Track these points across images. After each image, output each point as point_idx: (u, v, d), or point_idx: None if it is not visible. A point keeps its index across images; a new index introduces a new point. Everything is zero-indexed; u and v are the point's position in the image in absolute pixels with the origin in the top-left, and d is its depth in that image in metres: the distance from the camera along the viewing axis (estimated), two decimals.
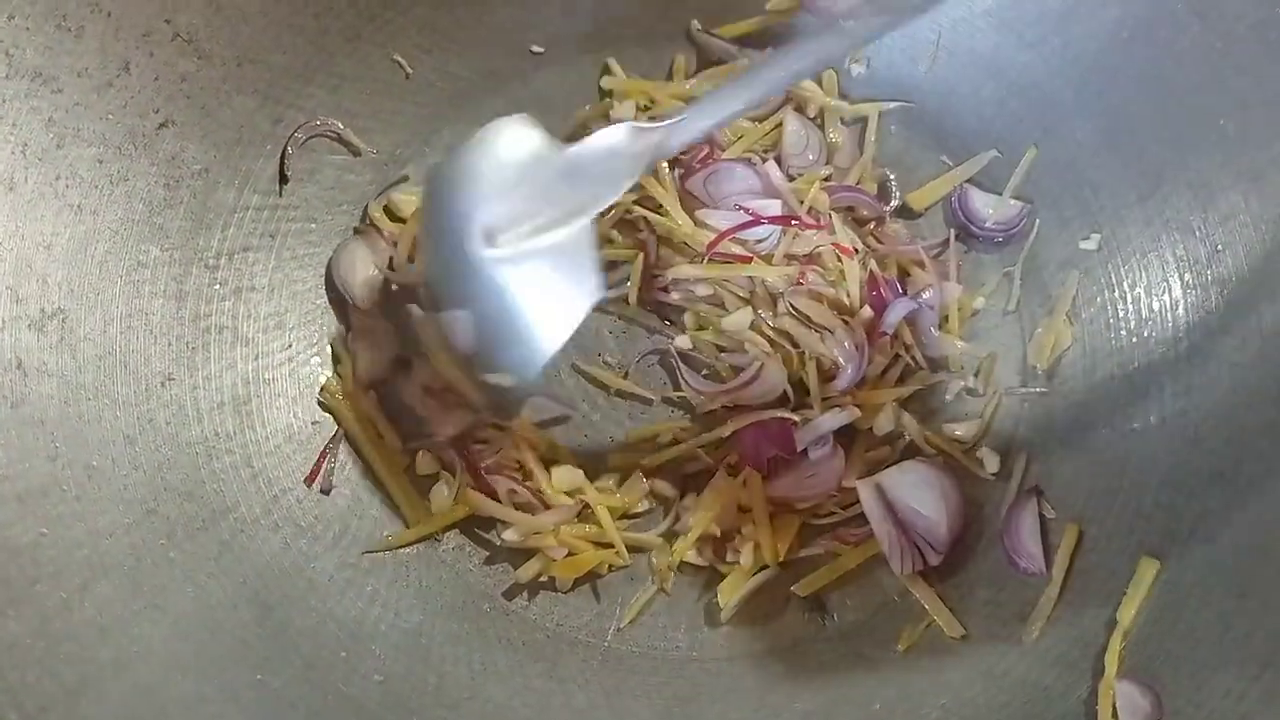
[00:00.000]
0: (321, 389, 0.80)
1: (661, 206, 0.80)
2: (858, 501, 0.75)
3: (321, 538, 0.75)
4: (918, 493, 0.74)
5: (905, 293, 0.80)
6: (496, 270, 0.65)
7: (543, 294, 0.66)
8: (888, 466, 0.76)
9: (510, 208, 0.66)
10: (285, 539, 0.73)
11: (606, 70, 0.88)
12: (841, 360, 0.77)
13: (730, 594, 0.75)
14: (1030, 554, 0.72)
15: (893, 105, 0.87)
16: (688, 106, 0.72)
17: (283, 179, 0.80)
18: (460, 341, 0.67)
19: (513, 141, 0.68)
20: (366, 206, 0.84)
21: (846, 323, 0.78)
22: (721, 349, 0.80)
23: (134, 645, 0.62)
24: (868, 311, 0.78)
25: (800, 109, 0.87)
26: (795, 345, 0.78)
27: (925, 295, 0.80)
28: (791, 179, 0.84)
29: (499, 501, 0.76)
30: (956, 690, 0.69)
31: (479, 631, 0.75)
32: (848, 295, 0.79)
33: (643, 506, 0.79)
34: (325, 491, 0.77)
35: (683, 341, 0.81)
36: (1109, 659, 0.64)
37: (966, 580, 0.75)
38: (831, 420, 0.76)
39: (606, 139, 0.68)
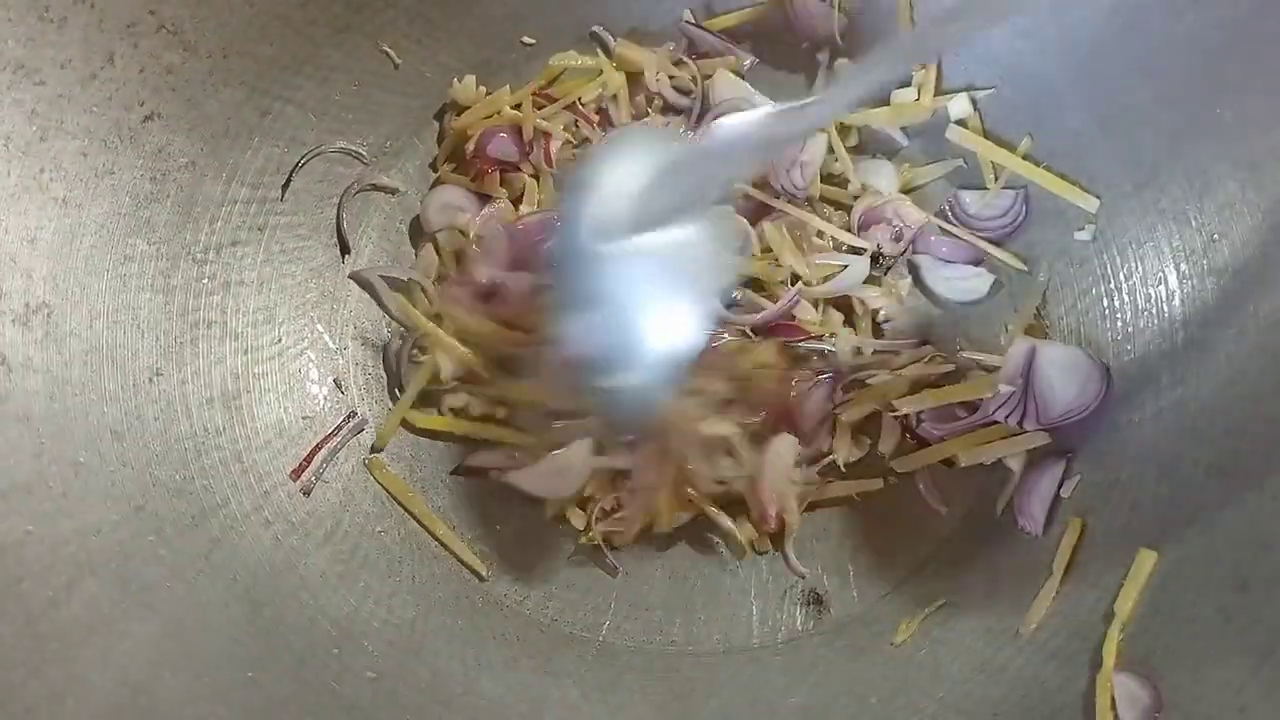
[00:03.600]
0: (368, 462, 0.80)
1: None
2: None
3: (313, 534, 0.74)
4: (1061, 371, 0.75)
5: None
6: (629, 269, 0.62)
7: (674, 293, 0.63)
8: None
9: (640, 205, 0.63)
10: (276, 535, 0.73)
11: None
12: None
13: None
14: (1033, 517, 0.73)
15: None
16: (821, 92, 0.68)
17: (286, 186, 0.80)
18: (582, 348, 0.64)
19: (638, 144, 0.66)
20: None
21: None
22: None
23: (121, 644, 0.61)
24: None
25: None
26: None
27: None
28: None
29: None
30: (953, 684, 0.68)
31: (473, 626, 0.74)
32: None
33: None
34: (306, 493, 0.76)
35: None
36: (1107, 651, 0.64)
37: (963, 573, 0.74)
38: None
39: (737, 126, 0.61)
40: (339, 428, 0.79)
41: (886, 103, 0.85)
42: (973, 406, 0.78)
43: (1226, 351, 0.70)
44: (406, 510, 0.78)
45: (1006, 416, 0.76)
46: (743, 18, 0.87)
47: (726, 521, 0.76)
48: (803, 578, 0.77)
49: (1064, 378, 0.75)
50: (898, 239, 0.82)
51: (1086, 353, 0.76)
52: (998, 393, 0.75)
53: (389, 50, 0.83)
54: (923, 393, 0.78)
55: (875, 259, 0.82)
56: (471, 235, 0.82)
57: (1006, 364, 0.76)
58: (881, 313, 0.82)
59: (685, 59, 0.87)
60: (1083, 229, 0.79)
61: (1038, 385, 0.75)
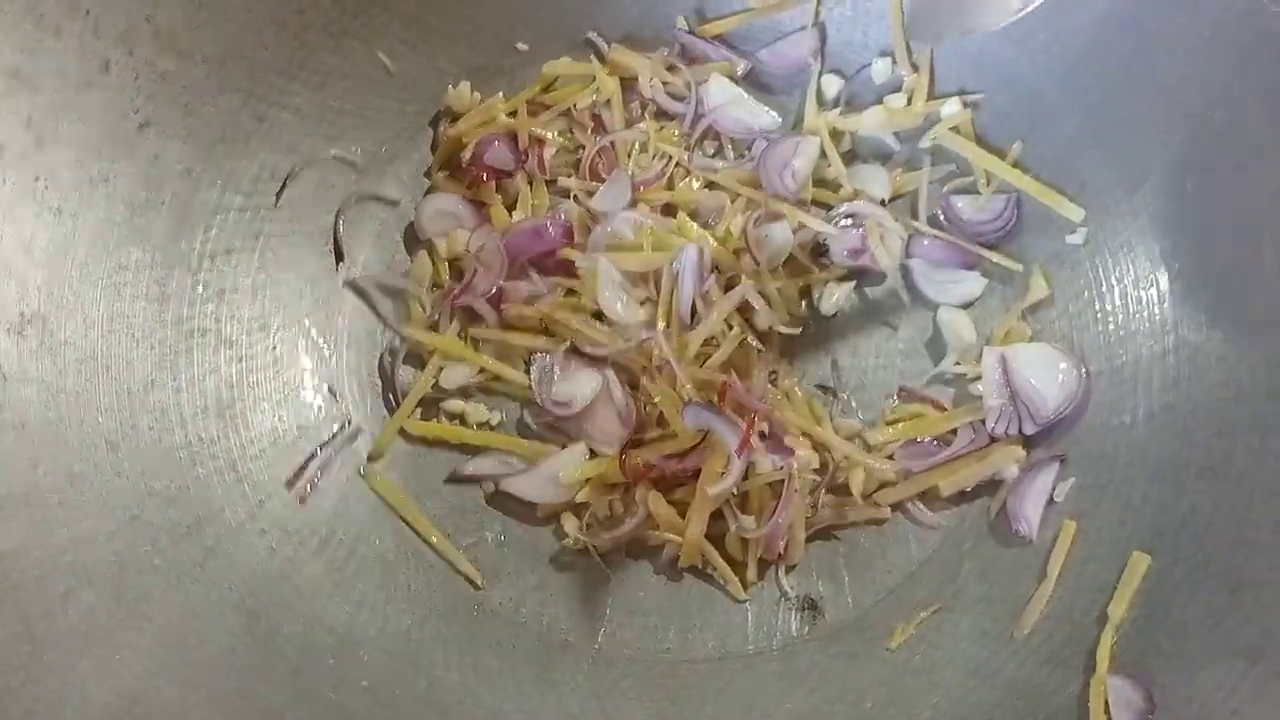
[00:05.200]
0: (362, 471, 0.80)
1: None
2: None
3: (308, 542, 0.74)
4: (1037, 370, 0.77)
5: None
6: None
7: None
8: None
9: None
10: (271, 544, 0.73)
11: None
12: None
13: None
14: (1027, 519, 0.74)
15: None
16: None
17: (280, 194, 0.81)
18: None
19: None
20: None
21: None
22: None
23: (118, 653, 0.61)
24: None
25: None
26: None
27: None
28: None
29: None
30: (948, 689, 0.69)
31: (469, 635, 0.74)
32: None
33: None
34: (301, 500, 0.76)
35: None
36: (1100, 655, 0.64)
37: (958, 577, 0.75)
38: None
39: None
40: (335, 435, 0.79)
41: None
42: (946, 439, 0.78)
43: (1217, 354, 0.70)
44: (402, 518, 0.78)
45: (1005, 429, 0.76)
46: (735, 23, 0.87)
47: (726, 566, 0.76)
48: (785, 597, 0.77)
49: (1043, 376, 0.76)
50: (855, 254, 0.82)
51: (1054, 346, 0.77)
52: (988, 409, 0.76)
53: (384, 56, 0.83)
54: (898, 425, 0.79)
55: (820, 251, 0.83)
56: (470, 249, 0.82)
57: (985, 380, 0.77)
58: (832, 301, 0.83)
59: (678, 64, 0.87)
60: (1074, 232, 0.79)
61: (1021, 390, 0.76)
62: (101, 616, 0.62)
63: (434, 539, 0.77)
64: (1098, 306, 0.78)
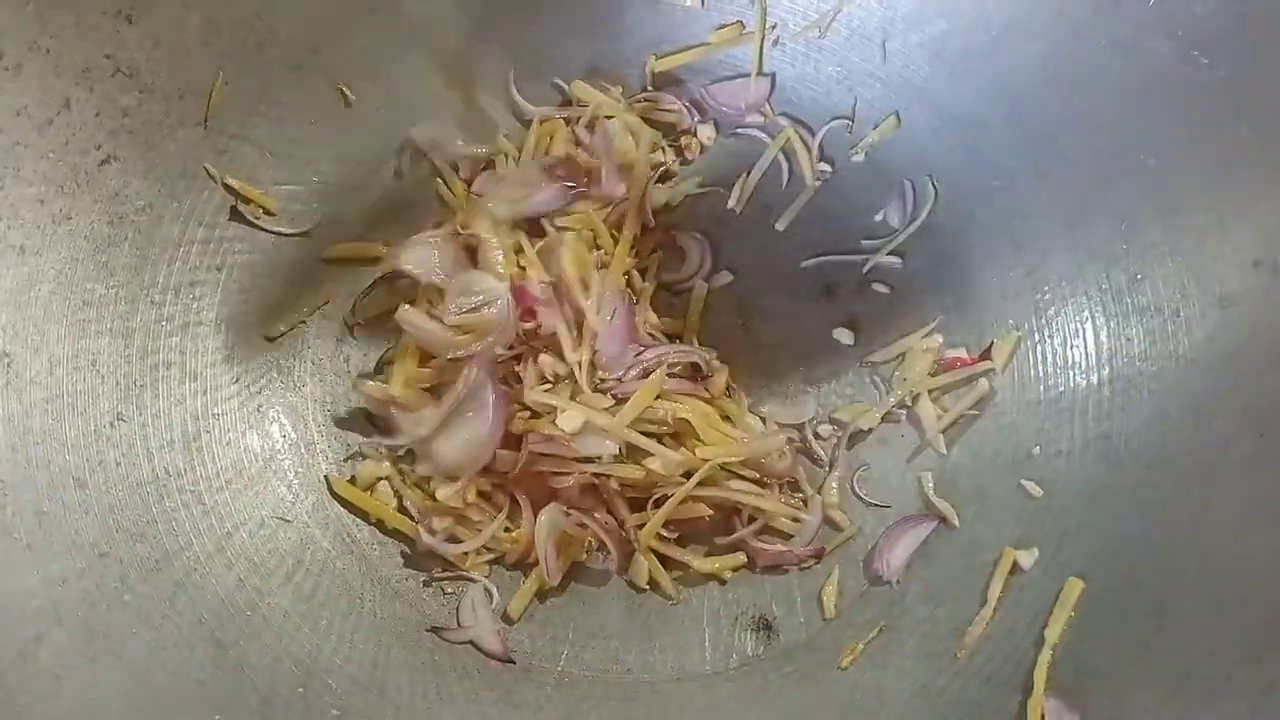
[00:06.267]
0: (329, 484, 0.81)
1: None
2: None
3: (275, 573, 0.75)
4: None
5: None
6: None
7: None
8: None
9: None
10: (239, 576, 0.74)
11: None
12: None
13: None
14: (889, 563, 0.78)
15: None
16: None
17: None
18: None
19: None
20: None
21: None
22: None
23: (90, 693, 0.62)
24: None
25: None
26: None
27: None
28: None
29: None
30: (896, 707, 0.72)
31: (433, 661, 0.76)
32: None
33: None
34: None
35: None
36: (1037, 676, 0.68)
37: (904, 598, 0.78)
38: None
39: None
40: (299, 464, 0.81)
41: None
42: None
43: (1148, 388, 0.74)
44: (375, 524, 0.80)
45: None
46: (690, 57, 0.89)
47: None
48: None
49: None
50: None
51: None
52: None
53: (344, 87, 0.84)
54: None
55: None
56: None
57: None
58: None
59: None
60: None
61: None
62: (73, 657, 0.63)
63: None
64: (1037, 337, 0.81)
